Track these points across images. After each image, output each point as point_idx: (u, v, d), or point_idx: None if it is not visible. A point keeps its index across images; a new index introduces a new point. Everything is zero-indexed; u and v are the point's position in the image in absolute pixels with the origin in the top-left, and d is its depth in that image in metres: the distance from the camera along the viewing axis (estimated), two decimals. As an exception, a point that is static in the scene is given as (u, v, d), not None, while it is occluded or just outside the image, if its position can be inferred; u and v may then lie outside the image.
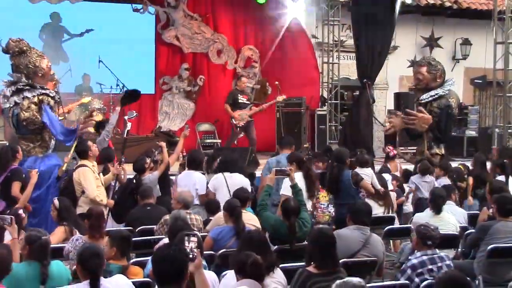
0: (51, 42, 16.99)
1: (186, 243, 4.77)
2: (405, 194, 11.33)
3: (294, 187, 8.27)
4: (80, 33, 17.48)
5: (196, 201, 9.99)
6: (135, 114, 11.70)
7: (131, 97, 11.32)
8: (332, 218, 9.99)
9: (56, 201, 8.01)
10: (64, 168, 9.83)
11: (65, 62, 16.92)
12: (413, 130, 13.36)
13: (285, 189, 9.04)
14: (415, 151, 14.28)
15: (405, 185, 11.51)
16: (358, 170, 10.16)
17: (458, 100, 13.14)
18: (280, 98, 16.11)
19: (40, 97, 9.89)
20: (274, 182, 8.56)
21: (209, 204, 9.23)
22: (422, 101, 13.04)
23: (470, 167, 12.30)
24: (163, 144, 10.69)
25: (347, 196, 9.50)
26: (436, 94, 12.85)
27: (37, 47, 16.16)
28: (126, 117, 11.27)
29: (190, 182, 10.14)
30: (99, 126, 11.00)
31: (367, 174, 10.17)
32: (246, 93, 16.09)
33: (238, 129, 15.82)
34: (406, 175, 11.97)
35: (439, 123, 12.87)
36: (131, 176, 10.36)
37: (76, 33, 17.54)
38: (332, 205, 10.05)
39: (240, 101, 15.81)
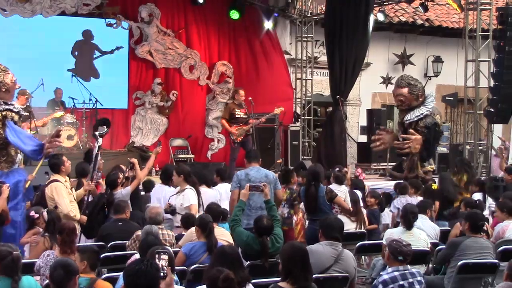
0: (83, 59, 17.49)
1: (158, 261, 4.76)
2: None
3: (267, 202, 8.26)
4: (111, 50, 17.87)
5: (169, 215, 10.00)
6: (105, 130, 11.65)
7: (104, 125, 11.26)
8: (283, 220, 10.03)
9: (45, 214, 8.09)
10: (27, 185, 9.64)
11: (96, 79, 17.47)
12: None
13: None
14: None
15: (387, 209, 11.58)
16: (334, 186, 10.21)
17: (441, 115, 13.24)
18: (278, 110, 15.97)
19: (4, 113, 9.71)
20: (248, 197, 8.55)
21: (187, 220, 9.15)
22: (407, 122, 13.08)
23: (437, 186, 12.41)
24: (135, 160, 10.65)
25: (321, 212, 9.52)
26: (421, 114, 12.90)
27: (70, 64, 16.40)
28: (97, 133, 11.23)
29: (161, 196, 10.23)
30: (86, 157, 10.95)
31: (341, 191, 10.22)
32: (244, 107, 15.51)
33: (236, 144, 15.39)
34: (387, 198, 12.03)
35: (427, 142, 12.93)
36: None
37: (107, 50, 17.88)
38: (287, 205, 10.20)
39: (237, 115, 15.35)
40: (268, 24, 18.78)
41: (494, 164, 16.14)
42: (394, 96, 13.68)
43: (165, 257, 4.81)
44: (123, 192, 9.90)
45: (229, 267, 5.64)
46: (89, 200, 9.92)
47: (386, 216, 11.50)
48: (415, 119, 12.99)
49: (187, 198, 9.58)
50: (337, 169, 11.94)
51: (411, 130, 13.00)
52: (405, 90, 13.12)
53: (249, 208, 9.20)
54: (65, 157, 9.83)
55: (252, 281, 6.16)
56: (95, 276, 6.44)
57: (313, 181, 9.74)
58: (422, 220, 9.15)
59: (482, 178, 11.92)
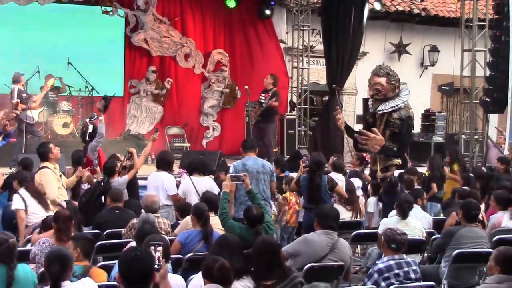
0: None
1: (153, 253, 4.75)
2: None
3: (249, 192, 8.23)
4: None
5: (167, 202, 10.04)
6: (96, 117, 11.65)
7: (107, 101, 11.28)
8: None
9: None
10: None
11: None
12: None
13: None
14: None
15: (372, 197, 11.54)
16: (333, 175, 10.21)
17: (412, 111, 13.14)
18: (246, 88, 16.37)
19: None
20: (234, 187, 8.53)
21: (184, 209, 9.13)
22: (380, 112, 12.96)
23: (426, 171, 12.40)
24: (133, 150, 10.62)
25: (321, 201, 9.43)
26: (396, 105, 12.77)
27: (66, 51, 16.40)
28: (87, 120, 11.26)
29: (159, 183, 10.20)
30: (91, 135, 10.92)
31: (339, 179, 10.23)
32: (267, 91, 16.00)
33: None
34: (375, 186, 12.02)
35: (400, 134, 12.79)
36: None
37: None
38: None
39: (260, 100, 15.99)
40: (264, 13, 18.74)
41: (492, 154, 16.14)
42: (369, 85, 13.48)
43: (160, 248, 4.80)
44: (120, 181, 9.90)
45: (229, 255, 5.67)
46: (87, 188, 9.96)
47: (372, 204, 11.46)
48: (390, 110, 12.78)
49: (14, 203, 9.12)
50: (335, 157, 11.92)
51: (374, 129, 12.87)
52: (383, 80, 12.92)
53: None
54: (52, 144, 9.88)
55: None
56: (89, 264, 6.46)
57: (317, 170, 9.69)
58: (414, 210, 9.14)
59: (479, 168, 11.88)
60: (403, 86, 13.12)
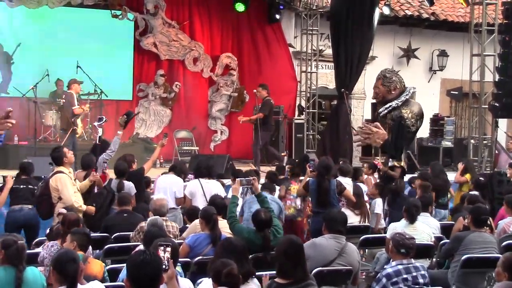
0: None
1: (161, 253, 4.76)
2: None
3: (258, 196, 8.24)
4: None
5: (175, 205, 10.06)
6: (104, 120, 11.65)
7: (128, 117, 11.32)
8: (297, 211, 10.25)
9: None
10: None
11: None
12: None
13: None
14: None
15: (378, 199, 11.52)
16: (340, 179, 10.21)
17: (417, 110, 12.95)
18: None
19: None
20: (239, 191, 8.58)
21: (191, 212, 9.12)
22: (381, 114, 12.99)
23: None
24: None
25: (330, 205, 9.47)
26: (390, 106, 12.77)
27: (75, 55, 16.37)
28: (96, 123, 11.25)
29: (167, 185, 10.30)
30: (95, 150, 10.96)
31: (347, 183, 10.23)
32: None
33: None
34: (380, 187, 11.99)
35: (392, 135, 12.78)
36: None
37: None
38: (300, 198, 10.31)
39: None
40: (273, 17, 18.76)
41: (502, 159, 16.09)
42: (373, 89, 13.60)
43: (168, 249, 4.82)
44: (130, 185, 9.88)
45: (235, 259, 5.65)
46: (95, 191, 9.95)
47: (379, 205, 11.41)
48: (385, 111, 12.87)
49: None
50: (342, 162, 11.94)
51: (376, 123, 12.85)
52: (379, 82, 13.04)
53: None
54: (66, 148, 9.88)
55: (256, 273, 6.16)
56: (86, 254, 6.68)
57: (326, 175, 9.70)
58: (423, 218, 9.07)
59: (485, 173, 11.78)
60: (407, 88, 13.10)
